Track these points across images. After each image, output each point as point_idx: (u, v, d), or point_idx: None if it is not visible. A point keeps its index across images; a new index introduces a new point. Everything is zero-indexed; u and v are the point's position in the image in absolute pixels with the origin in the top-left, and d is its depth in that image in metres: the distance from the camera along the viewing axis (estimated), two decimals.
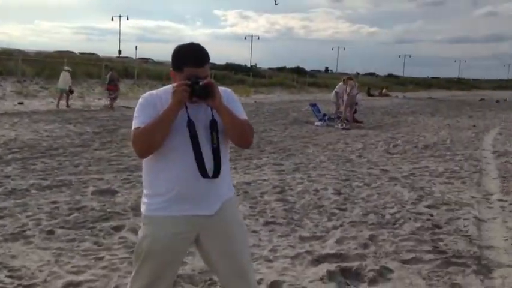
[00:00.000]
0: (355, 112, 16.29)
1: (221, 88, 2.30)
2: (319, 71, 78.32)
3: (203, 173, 2.19)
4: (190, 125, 2.18)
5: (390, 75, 77.95)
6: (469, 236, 4.66)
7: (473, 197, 6.28)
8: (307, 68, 67.79)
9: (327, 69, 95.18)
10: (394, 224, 5.01)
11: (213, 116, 2.22)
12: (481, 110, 27.41)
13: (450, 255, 4.10)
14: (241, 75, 39.02)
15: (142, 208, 2.36)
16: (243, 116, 2.32)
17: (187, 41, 2.35)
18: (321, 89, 43.03)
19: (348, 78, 16.21)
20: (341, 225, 4.91)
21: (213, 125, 2.21)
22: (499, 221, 5.29)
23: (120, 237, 4.37)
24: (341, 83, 15.99)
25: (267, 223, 4.91)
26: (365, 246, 4.31)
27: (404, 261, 3.96)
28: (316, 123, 15.30)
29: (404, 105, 28.63)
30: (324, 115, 15.89)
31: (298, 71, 55.26)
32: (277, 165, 8.06)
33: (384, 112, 22.28)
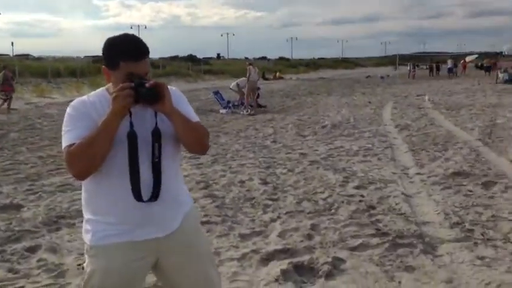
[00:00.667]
0: (257, 97, 16.27)
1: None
2: (211, 58, 77.81)
3: (137, 196, 1.85)
4: (131, 137, 1.82)
5: (281, 58, 79.70)
6: (404, 213, 4.70)
7: (394, 173, 6.42)
8: (200, 55, 67.16)
9: (218, 55, 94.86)
10: (330, 210, 4.92)
11: (156, 123, 1.88)
12: (370, 86, 28.87)
13: (394, 236, 4.08)
14: None
15: (86, 237, 1.96)
16: (195, 118, 2.02)
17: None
18: (217, 76, 42.66)
19: (248, 63, 16.12)
20: (278, 217, 4.72)
21: (156, 135, 1.87)
22: (424, 195, 5.43)
23: (38, 260, 3.80)
24: (244, 78, 15.75)
25: (201, 223, 4.57)
26: (309, 237, 4.16)
27: (353, 249, 3.87)
28: (221, 111, 15.04)
29: (300, 87, 29.30)
30: (228, 102, 15.68)
31: (192, 59, 54.43)
32: (194, 159, 7.68)
33: (283, 95, 22.58)
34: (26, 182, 6.33)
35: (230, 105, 15.47)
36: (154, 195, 1.87)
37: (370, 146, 8.55)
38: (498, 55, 48.98)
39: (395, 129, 10.70)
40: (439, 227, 4.33)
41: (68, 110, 1.90)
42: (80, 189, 2.04)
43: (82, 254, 3.85)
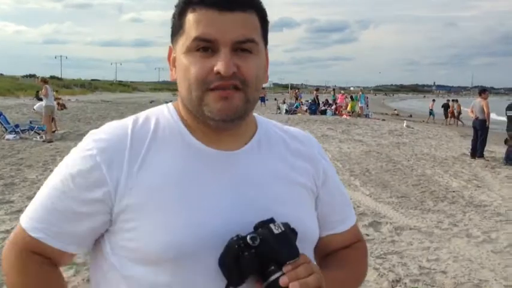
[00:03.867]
0: (53, 120, 13.97)
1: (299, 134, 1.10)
2: None
3: None
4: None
5: (53, 77, 73.34)
6: None
7: None
8: None
9: None
10: None
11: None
12: None
13: None
14: None
15: None
16: (350, 218, 1.12)
17: None
18: None
19: (42, 81, 13.76)
20: None
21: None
22: None
23: None
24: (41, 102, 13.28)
25: None
26: None
27: None
28: (6, 137, 12.33)
29: (86, 110, 26.88)
30: (17, 126, 13.02)
31: None
32: (7, 203, 5.74)
33: (72, 118, 20.19)
34: None
35: (18, 129, 12.88)
36: None
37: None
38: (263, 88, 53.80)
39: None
40: None
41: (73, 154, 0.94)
42: None
43: None
